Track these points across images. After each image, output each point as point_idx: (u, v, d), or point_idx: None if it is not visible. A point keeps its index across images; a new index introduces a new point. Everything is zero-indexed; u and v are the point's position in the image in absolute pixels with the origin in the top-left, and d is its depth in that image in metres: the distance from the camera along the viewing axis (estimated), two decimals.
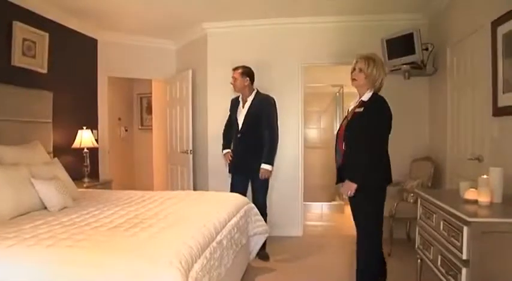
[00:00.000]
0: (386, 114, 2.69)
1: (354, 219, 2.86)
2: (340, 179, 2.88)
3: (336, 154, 2.91)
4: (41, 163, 3.29)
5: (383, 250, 2.89)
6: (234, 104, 4.03)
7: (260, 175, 3.81)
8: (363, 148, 2.63)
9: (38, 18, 3.93)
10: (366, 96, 2.75)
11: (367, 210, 2.72)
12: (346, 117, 2.89)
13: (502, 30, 2.68)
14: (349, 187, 2.66)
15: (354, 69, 2.80)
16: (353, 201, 2.80)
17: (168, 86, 5.55)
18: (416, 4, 4.12)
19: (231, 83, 3.96)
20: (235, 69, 3.93)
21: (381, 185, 2.74)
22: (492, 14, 2.79)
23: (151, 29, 5.02)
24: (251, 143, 3.85)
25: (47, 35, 4.00)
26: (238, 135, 3.88)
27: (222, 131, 4.22)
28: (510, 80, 2.60)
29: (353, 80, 2.81)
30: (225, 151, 4.15)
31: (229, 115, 4.13)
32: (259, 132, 3.84)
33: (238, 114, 3.91)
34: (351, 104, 2.93)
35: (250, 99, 3.89)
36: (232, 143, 4.05)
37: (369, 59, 2.74)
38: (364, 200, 2.70)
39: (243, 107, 3.90)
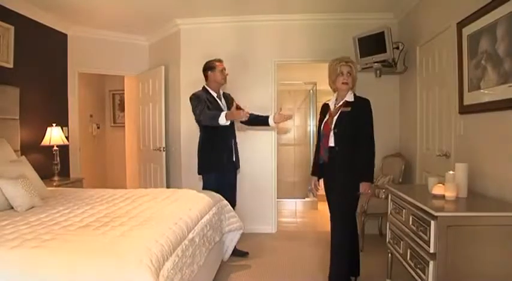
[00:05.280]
0: (372, 114, 2.93)
1: (330, 204, 3.05)
2: (322, 174, 3.10)
3: (317, 151, 3.11)
4: (7, 161, 3.18)
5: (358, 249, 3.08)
6: (209, 98, 3.70)
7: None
8: (360, 146, 2.84)
9: (2, 11, 3.78)
10: (349, 97, 2.94)
11: (347, 200, 2.91)
12: (330, 115, 3.00)
13: (466, 31, 2.76)
14: (368, 187, 2.87)
15: (342, 73, 2.93)
16: (335, 191, 2.96)
17: (140, 82, 5.45)
18: (387, 3, 4.19)
19: (227, 74, 3.78)
20: (222, 61, 3.78)
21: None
22: (458, 15, 2.88)
23: (124, 24, 4.91)
24: (235, 136, 3.87)
25: (12, 28, 3.86)
26: (229, 126, 3.68)
27: (204, 114, 3.55)
28: (474, 80, 2.69)
29: (345, 84, 2.94)
30: (226, 112, 3.40)
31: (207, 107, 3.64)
32: None
33: (223, 109, 3.73)
34: (330, 103, 3.08)
35: (221, 93, 3.83)
36: (213, 140, 3.73)
37: (352, 63, 2.96)
38: (348, 191, 2.89)
39: (221, 101, 3.78)
